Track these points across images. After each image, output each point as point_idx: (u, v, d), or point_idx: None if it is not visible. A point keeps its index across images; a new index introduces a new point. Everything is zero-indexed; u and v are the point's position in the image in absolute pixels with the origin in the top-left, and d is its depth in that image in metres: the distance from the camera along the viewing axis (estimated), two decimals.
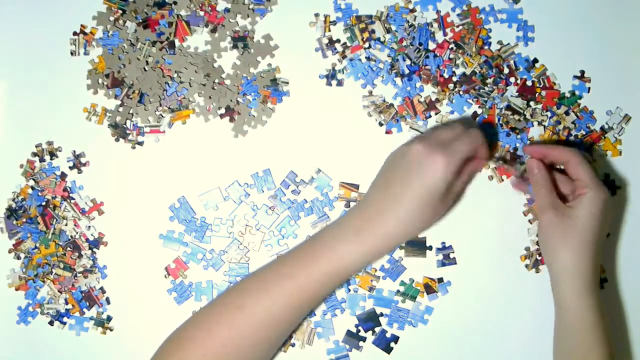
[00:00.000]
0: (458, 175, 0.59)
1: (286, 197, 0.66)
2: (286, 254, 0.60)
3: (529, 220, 0.66)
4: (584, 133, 0.67)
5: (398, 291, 0.66)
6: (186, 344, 0.56)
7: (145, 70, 0.67)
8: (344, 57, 0.67)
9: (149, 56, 0.67)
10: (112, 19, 0.68)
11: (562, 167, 0.62)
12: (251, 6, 0.68)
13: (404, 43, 0.67)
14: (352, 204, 0.66)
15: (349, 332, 0.66)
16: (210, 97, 0.67)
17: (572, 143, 0.67)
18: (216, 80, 0.67)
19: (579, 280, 0.59)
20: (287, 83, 0.67)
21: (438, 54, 0.67)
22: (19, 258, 0.67)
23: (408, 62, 0.67)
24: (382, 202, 0.58)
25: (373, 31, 0.67)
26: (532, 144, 0.66)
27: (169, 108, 0.67)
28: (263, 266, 0.61)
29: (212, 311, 0.58)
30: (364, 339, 0.66)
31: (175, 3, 0.68)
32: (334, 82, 0.67)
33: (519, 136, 0.67)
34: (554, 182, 0.62)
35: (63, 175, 0.68)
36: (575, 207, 0.59)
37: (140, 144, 0.67)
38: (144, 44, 0.67)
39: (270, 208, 0.66)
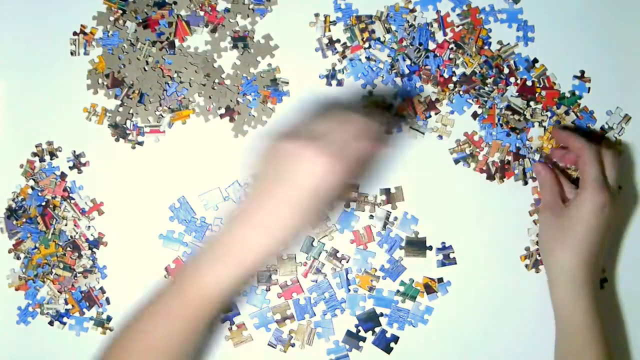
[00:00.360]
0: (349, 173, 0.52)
1: None
2: (164, 284, 0.54)
3: (533, 221, 0.66)
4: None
5: (398, 291, 0.66)
6: None
7: (145, 70, 0.67)
8: (344, 57, 0.67)
9: (149, 56, 0.67)
10: (112, 19, 0.68)
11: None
12: (251, 6, 0.68)
13: (404, 43, 0.67)
14: (351, 204, 0.66)
15: (349, 332, 0.66)
16: (210, 97, 0.67)
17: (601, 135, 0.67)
18: (216, 80, 0.67)
19: (573, 282, 0.59)
20: (287, 83, 0.67)
21: (438, 54, 0.67)
22: (19, 258, 0.67)
23: (408, 62, 0.67)
24: (264, 212, 0.51)
25: (373, 31, 0.67)
26: (561, 127, 0.66)
27: (169, 108, 0.67)
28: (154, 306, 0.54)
29: (117, 339, 0.54)
30: (364, 339, 0.66)
31: (175, 3, 0.67)
32: (334, 82, 0.67)
33: (519, 136, 0.67)
34: (561, 183, 0.63)
35: (63, 175, 0.67)
36: (571, 207, 0.59)
37: (140, 144, 0.67)
38: (144, 44, 0.67)
39: None
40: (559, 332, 0.61)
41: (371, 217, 0.66)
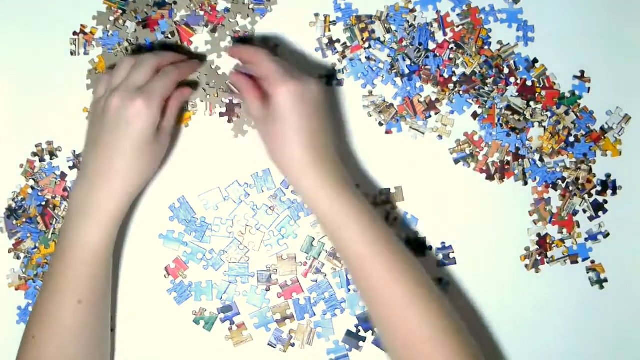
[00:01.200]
0: (164, 113, 0.59)
1: (286, 197, 0.66)
2: (49, 264, 0.59)
3: (533, 221, 0.66)
4: (583, 133, 0.67)
5: None
6: None
7: None
8: (344, 57, 0.67)
9: None
10: (112, 19, 0.68)
11: None
12: (251, 6, 0.67)
13: (404, 43, 0.67)
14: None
15: (348, 332, 0.66)
16: (208, 96, 0.67)
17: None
18: (216, 81, 0.67)
19: (305, 174, 0.56)
20: None
21: (438, 54, 0.67)
22: (19, 258, 0.67)
23: (408, 62, 0.67)
24: (99, 167, 0.57)
25: (373, 31, 0.67)
26: (234, 45, 0.65)
27: None
28: (42, 285, 0.60)
29: (19, 348, 0.59)
30: (364, 339, 0.65)
31: (175, 3, 0.67)
32: (334, 82, 0.67)
33: (519, 136, 0.66)
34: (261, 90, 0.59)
35: (63, 175, 0.67)
36: (271, 108, 0.57)
37: None
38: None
39: (270, 208, 0.66)
40: (323, 231, 0.59)
41: None
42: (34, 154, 0.67)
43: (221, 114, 0.67)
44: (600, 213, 0.66)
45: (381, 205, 0.66)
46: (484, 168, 0.67)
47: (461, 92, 0.67)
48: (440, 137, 0.67)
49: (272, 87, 0.56)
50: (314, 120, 0.57)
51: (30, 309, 0.66)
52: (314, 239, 0.66)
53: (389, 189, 0.66)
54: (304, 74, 0.58)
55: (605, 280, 0.66)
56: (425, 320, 0.54)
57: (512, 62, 0.67)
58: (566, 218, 0.66)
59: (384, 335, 0.57)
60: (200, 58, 0.66)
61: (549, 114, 0.67)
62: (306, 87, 0.56)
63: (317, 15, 0.68)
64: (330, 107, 0.58)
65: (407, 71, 0.66)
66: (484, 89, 0.67)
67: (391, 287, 0.55)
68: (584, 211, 0.66)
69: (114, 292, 0.66)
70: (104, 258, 0.59)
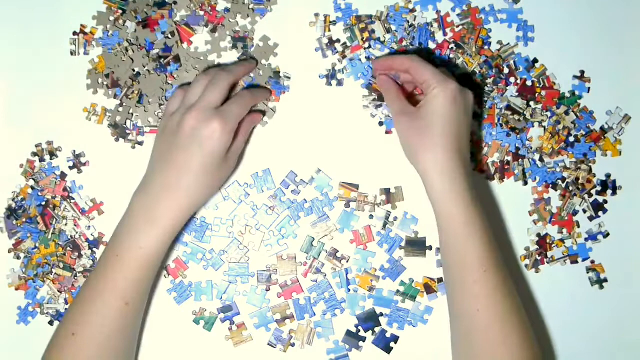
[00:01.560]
0: (235, 136, 0.60)
1: (286, 197, 0.66)
2: (96, 265, 0.59)
3: (533, 221, 0.66)
4: (583, 133, 0.67)
5: (398, 291, 0.65)
6: None
7: (134, 71, 0.67)
8: (344, 57, 0.67)
9: (145, 66, 0.67)
10: (112, 18, 0.67)
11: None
12: (251, 6, 0.67)
13: (404, 43, 0.67)
14: (352, 204, 0.66)
15: (349, 332, 0.65)
16: None
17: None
18: None
19: (442, 175, 0.56)
20: (289, 78, 0.67)
21: (440, 54, 0.67)
22: (19, 258, 0.67)
23: None
24: (166, 181, 0.58)
25: (373, 31, 0.67)
26: (378, 58, 0.64)
27: None
28: (84, 284, 0.60)
29: (52, 344, 0.58)
30: (364, 339, 0.65)
31: (175, 3, 0.67)
32: (334, 82, 0.67)
33: (518, 136, 0.66)
34: (407, 92, 0.62)
35: (63, 175, 0.67)
36: (423, 106, 0.58)
37: (140, 144, 0.67)
38: (148, 58, 0.67)
39: (270, 208, 0.66)
40: (441, 231, 0.58)
41: (371, 217, 0.66)
42: (34, 154, 0.67)
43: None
44: (600, 213, 0.66)
45: (381, 205, 0.66)
46: (484, 168, 0.66)
47: None
48: None
49: (432, 87, 0.57)
50: (463, 126, 0.58)
51: (30, 309, 0.66)
52: (313, 239, 0.65)
53: (389, 189, 0.66)
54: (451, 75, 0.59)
55: (605, 280, 0.66)
56: (510, 334, 0.56)
57: (512, 62, 0.67)
58: (566, 218, 0.66)
59: (462, 348, 0.59)
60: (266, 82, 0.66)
61: (549, 114, 0.66)
62: (462, 91, 0.57)
63: (317, 15, 0.67)
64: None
65: None
66: (484, 89, 0.66)
67: (493, 308, 0.56)
68: (584, 211, 0.66)
69: None
70: (157, 264, 0.59)
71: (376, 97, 0.66)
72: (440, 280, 0.65)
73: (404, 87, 0.63)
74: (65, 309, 0.66)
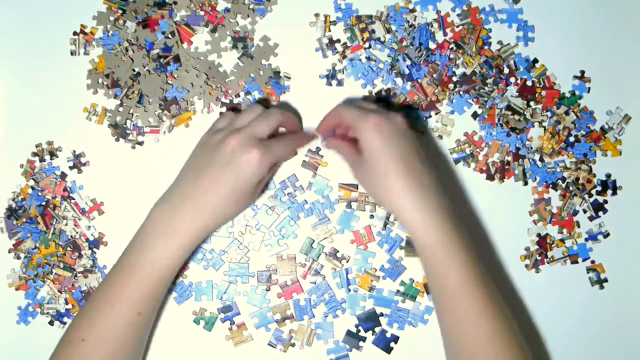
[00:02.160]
0: (270, 171, 0.60)
1: (286, 197, 0.66)
2: (110, 272, 0.59)
3: (533, 221, 0.66)
4: (584, 133, 0.66)
5: (398, 291, 0.65)
6: None
7: (134, 71, 0.66)
8: (344, 57, 0.67)
9: (146, 65, 0.66)
10: (112, 18, 0.67)
11: None
12: (251, 6, 0.67)
13: (404, 43, 0.66)
14: (353, 204, 0.65)
15: (349, 332, 0.65)
16: (210, 94, 0.66)
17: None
18: (219, 85, 0.66)
19: (410, 207, 0.55)
20: (289, 78, 0.66)
21: (440, 54, 0.66)
22: (19, 258, 0.67)
23: (408, 62, 0.66)
24: (193, 194, 0.57)
25: (373, 31, 0.67)
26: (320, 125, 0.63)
27: (169, 113, 0.66)
28: (96, 291, 0.59)
29: (60, 349, 0.58)
30: (364, 339, 0.65)
31: (175, 3, 0.67)
32: (334, 82, 0.67)
33: (519, 136, 0.66)
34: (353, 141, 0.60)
35: (63, 175, 0.67)
36: (361, 150, 0.57)
37: (140, 144, 0.67)
38: (148, 58, 0.66)
39: (270, 208, 0.66)
40: (420, 256, 0.57)
41: (371, 216, 0.65)
42: (34, 154, 0.67)
43: (220, 114, 0.66)
44: (600, 213, 0.66)
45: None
46: (484, 168, 0.66)
47: (461, 92, 0.66)
48: (440, 137, 0.66)
49: (356, 130, 0.57)
50: (402, 149, 0.56)
51: (30, 309, 0.66)
52: (313, 240, 0.65)
53: None
54: (385, 110, 0.58)
55: (605, 280, 0.66)
56: (502, 348, 0.55)
57: (512, 62, 0.66)
58: (566, 218, 0.66)
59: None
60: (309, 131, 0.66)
61: (549, 114, 0.66)
62: (386, 119, 0.56)
63: (317, 15, 0.67)
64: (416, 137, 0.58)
65: (407, 71, 0.66)
66: (484, 89, 0.66)
67: (481, 328, 0.55)
68: (584, 211, 0.66)
69: None
70: (169, 279, 0.59)
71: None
72: None
73: (349, 139, 0.61)
74: (66, 309, 0.66)
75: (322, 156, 0.66)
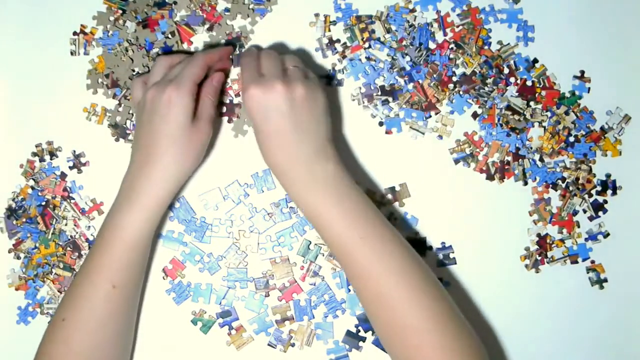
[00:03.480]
0: (197, 100, 0.58)
1: (287, 209, 0.64)
2: (89, 251, 0.59)
3: (533, 221, 0.65)
4: (584, 133, 0.65)
5: None
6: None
7: (134, 71, 0.66)
8: (344, 57, 0.66)
9: (146, 65, 0.66)
10: (112, 19, 0.66)
11: None
12: (251, 6, 0.66)
13: (404, 43, 0.66)
14: None
15: (348, 332, 0.64)
16: None
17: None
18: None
19: (289, 187, 0.56)
20: None
21: (440, 54, 0.66)
22: (19, 258, 0.66)
23: (408, 59, 0.65)
24: (141, 157, 0.57)
25: (373, 31, 0.66)
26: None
27: None
28: (78, 270, 0.59)
29: (46, 331, 0.57)
30: (363, 339, 0.64)
31: (175, 3, 0.66)
32: (334, 82, 0.66)
33: (519, 136, 0.65)
34: None
35: (63, 175, 0.66)
36: None
37: None
38: (148, 58, 0.65)
39: (268, 214, 0.65)
40: (319, 234, 0.57)
41: None
42: (34, 154, 0.66)
43: (221, 114, 0.65)
44: (600, 213, 0.65)
45: (387, 205, 0.65)
46: (484, 168, 0.65)
47: (461, 92, 0.65)
48: (440, 137, 0.65)
49: (241, 95, 0.58)
50: (275, 124, 0.55)
51: (30, 309, 0.65)
52: (310, 242, 0.64)
53: (394, 186, 0.65)
54: (274, 75, 0.56)
55: (605, 280, 0.65)
56: (421, 308, 0.53)
57: (512, 62, 0.65)
58: (566, 218, 0.65)
59: (379, 328, 0.56)
60: (233, 44, 0.65)
61: (549, 114, 0.65)
62: (264, 90, 0.54)
63: (317, 15, 0.66)
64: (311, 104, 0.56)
65: (407, 68, 0.65)
66: (484, 89, 0.65)
67: (380, 279, 0.53)
68: (584, 211, 0.65)
69: None
70: (143, 245, 0.58)
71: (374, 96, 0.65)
72: (440, 280, 0.64)
73: None
74: None
75: None
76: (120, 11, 0.66)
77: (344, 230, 0.54)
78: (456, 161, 0.65)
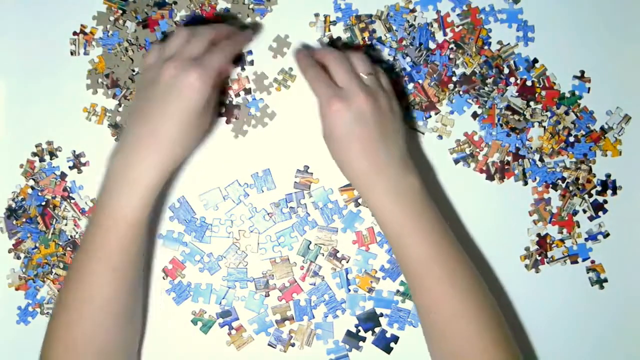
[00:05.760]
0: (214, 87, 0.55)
1: (287, 209, 0.63)
2: (85, 229, 0.56)
3: (533, 221, 0.64)
4: (583, 133, 0.64)
5: (398, 291, 0.63)
6: None
7: (134, 71, 0.64)
8: None
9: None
10: (112, 19, 0.65)
11: None
12: (251, 6, 0.65)
13: (404, 43, 0.65)
14: (360, 201, 0.63)
15: (348, 332, 0.63)
16: None
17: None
18: None
19: (371, 194, 0.54)
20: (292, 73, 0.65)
21: (440, 54, 0.64)
22: (19, 258, 0.64)
23: (408, 59, 0.64)
24: (143, 135, 0.53)
25: (374, 31, 0.65)
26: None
27: None
28: (72, 260, 0.57)
29: (50, 318, 0.56)
30: (364, 339, 0.63)
31: (175, 3, 0.65)
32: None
33: (518, 136, 0.64)
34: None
35: (63, 175, 0.65)
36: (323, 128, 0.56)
37: None
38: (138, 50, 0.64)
39: (268, 214, 0.64)
40: (390, 243, 0.56)
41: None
42: (34, 154, 0.65)
43: (220, 114, 0.64)
44: (600, 213, 0.64)
45: None
46: (484, 168, 0.64)
47: (461, 92, 0.64)
48: (440, 137, 0.64)
49: (319, 107, 0.55)
50: (363, 136, 0.54)
51: (30, 309, 0.64)
52: (310, 242, 0.63)
53: None
54: (356, 85, 0.54)
55: (605, 280, 0.64)
56: (480, 331, 0.53)
57: (512, 62, 0.64)
58: (566, 218, 0.64)
59: (434, 344, 0.56)
60: (253, 28, 0.63)
61: (549, 114, 0.64)
62: (348, 105, 0.53)
63: (317, 15, 0.65)
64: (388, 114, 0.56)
65: (408, 68, 0.64)
66: (484, 89, 0.64)
67: (449, 300, 0.53)
68: (584, 211, 0.64)
69: None
70: (140, 229, 0.54)
71: None
72: None
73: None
74: None
75: (312, 173, 0.63)
76: (120, 11, 0.65)
77: (419, 246, 0.54)
78: (456, 161, 0.64)
